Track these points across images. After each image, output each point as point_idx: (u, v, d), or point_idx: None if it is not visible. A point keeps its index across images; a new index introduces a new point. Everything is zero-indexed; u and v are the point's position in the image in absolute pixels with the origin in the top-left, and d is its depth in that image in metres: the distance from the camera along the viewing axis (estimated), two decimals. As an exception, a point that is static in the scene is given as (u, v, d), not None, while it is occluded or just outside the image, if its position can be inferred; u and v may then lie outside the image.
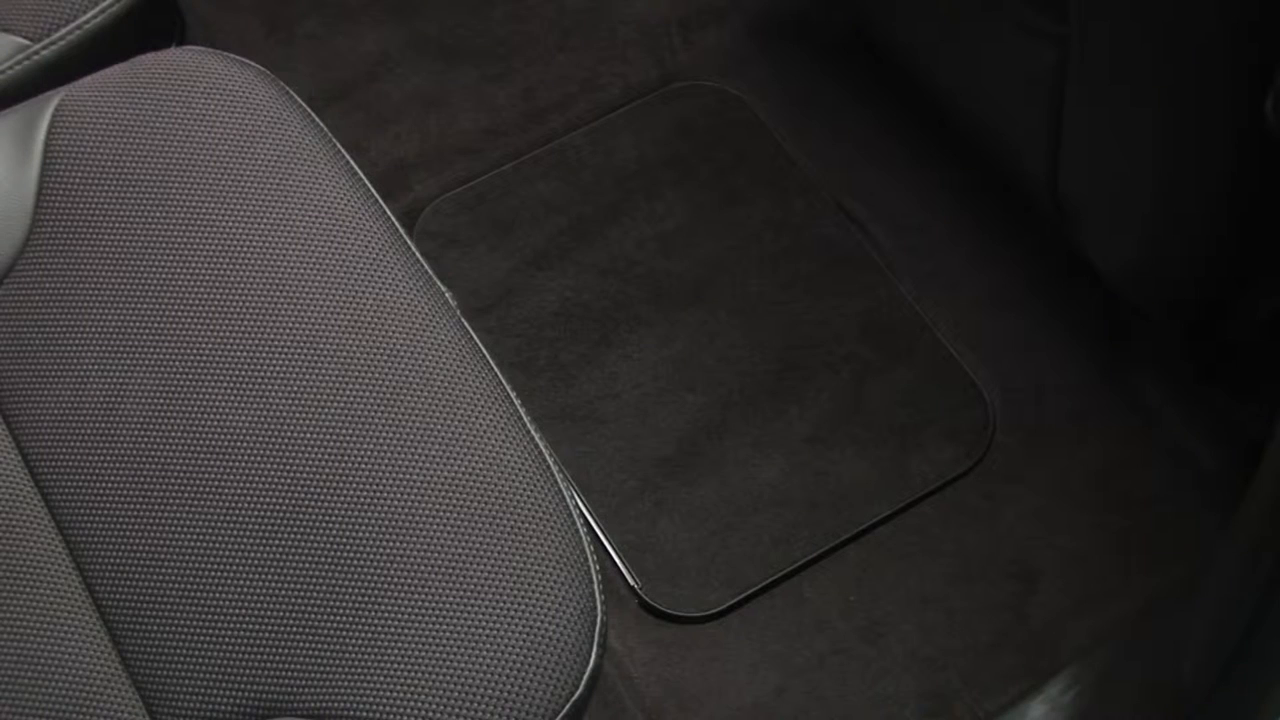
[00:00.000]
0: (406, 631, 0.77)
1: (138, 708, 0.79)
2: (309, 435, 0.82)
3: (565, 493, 0.81)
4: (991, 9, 1.00)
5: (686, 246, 1.27)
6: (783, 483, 1.16)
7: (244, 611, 0.79)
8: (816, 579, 1.11)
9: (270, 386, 0.83)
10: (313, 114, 0.93)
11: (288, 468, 0.81)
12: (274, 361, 0.84)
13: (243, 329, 0.85)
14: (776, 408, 1.19)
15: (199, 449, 0.83)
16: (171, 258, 0.87)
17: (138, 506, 0.82)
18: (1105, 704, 1.07)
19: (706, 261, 1.26)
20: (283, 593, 0.79)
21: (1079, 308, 1.20)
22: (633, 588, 1.11)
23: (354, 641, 0.77)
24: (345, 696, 0.76)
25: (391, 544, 0.79)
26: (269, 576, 0.79)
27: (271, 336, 0.84)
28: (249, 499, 0.81)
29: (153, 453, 0.83)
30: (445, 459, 0.81)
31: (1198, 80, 0.87)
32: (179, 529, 0.81)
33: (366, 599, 0.78)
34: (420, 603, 0.78)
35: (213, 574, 0.80)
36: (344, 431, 0.82)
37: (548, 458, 0.82)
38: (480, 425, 0.82)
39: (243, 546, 0.80)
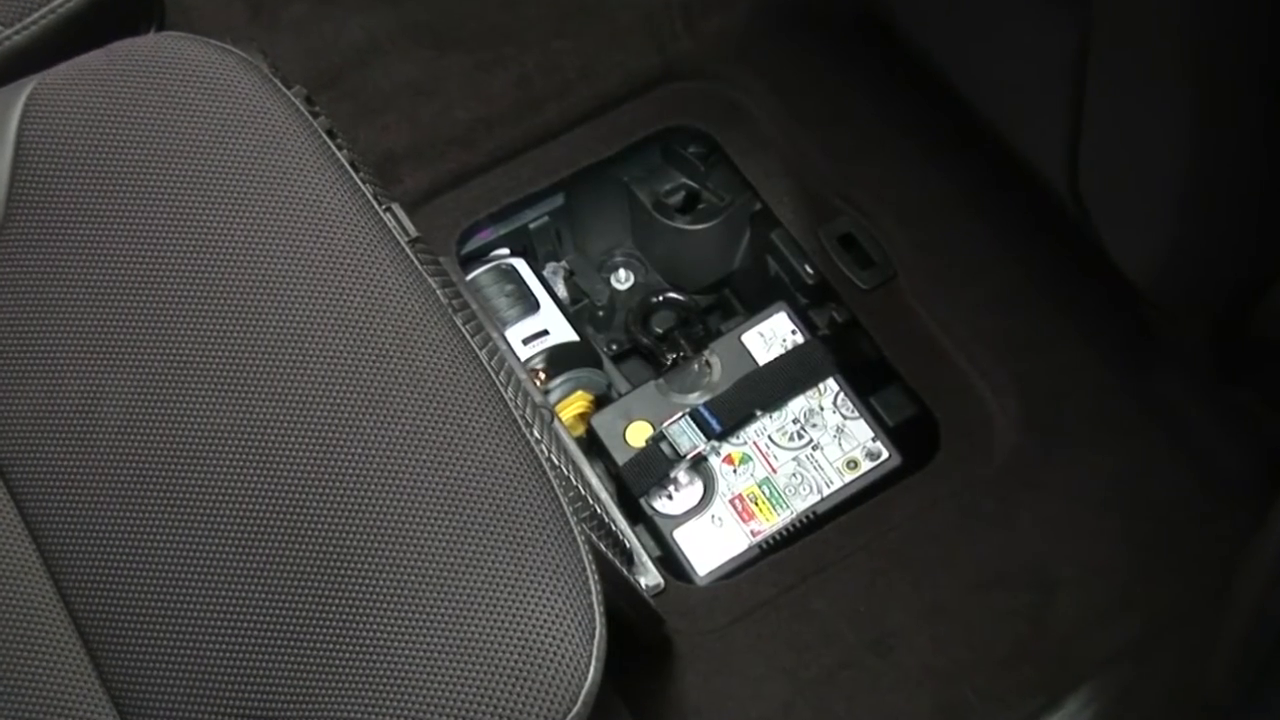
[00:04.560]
0: (396, 645, 0.77)
1: (115, 725, 0.79)
2: (294, 439, 0.81)
3: (563, 499, 0.81)
4: (1008, -11, 1.00)
5: (689, 241, 1.27)
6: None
7: (226, 624, 0.79)
8: (825, 589, 1.11)
9: (253, 388, 0.83)
10: (297, 102, 0.93)
11: (272, 473, 0.81)
12: (257, 362, 0.84)
13: (224, 328, 0.85)
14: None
15: (179, 453, 0.82)
16: (150, 253, 0.87)
17: (115, 513, 0.82)
18: (1126, 719, 1.06)
19: (710, 257, 1.26)
20: (267, 604, 0.79)
21: (1099, 306, 1.20)
22: (633, 598, 1.11)
23: (341, 655, 0.77)
24: (331, 712, 0.76)
25: (380, 553, 0.79)
26: (252, 587, 0.79)
27: (254, 335, 0.84)
28: (231, 505, 0.81)
29: (131, 457, 0.83)
30: (437, 464, 0.80)
31: (1230, 64, 0.86)
32: (158, 537, 0.81)
33: (354, 610, 0.78)
34: (411, 614, 0.77)
35: (193, 584, 0.80)
36: (331, 435, 0.81)
37: (543, 461, 0.82)
38: (473, 428, 0.82)
39: (225, 555, 0.80)
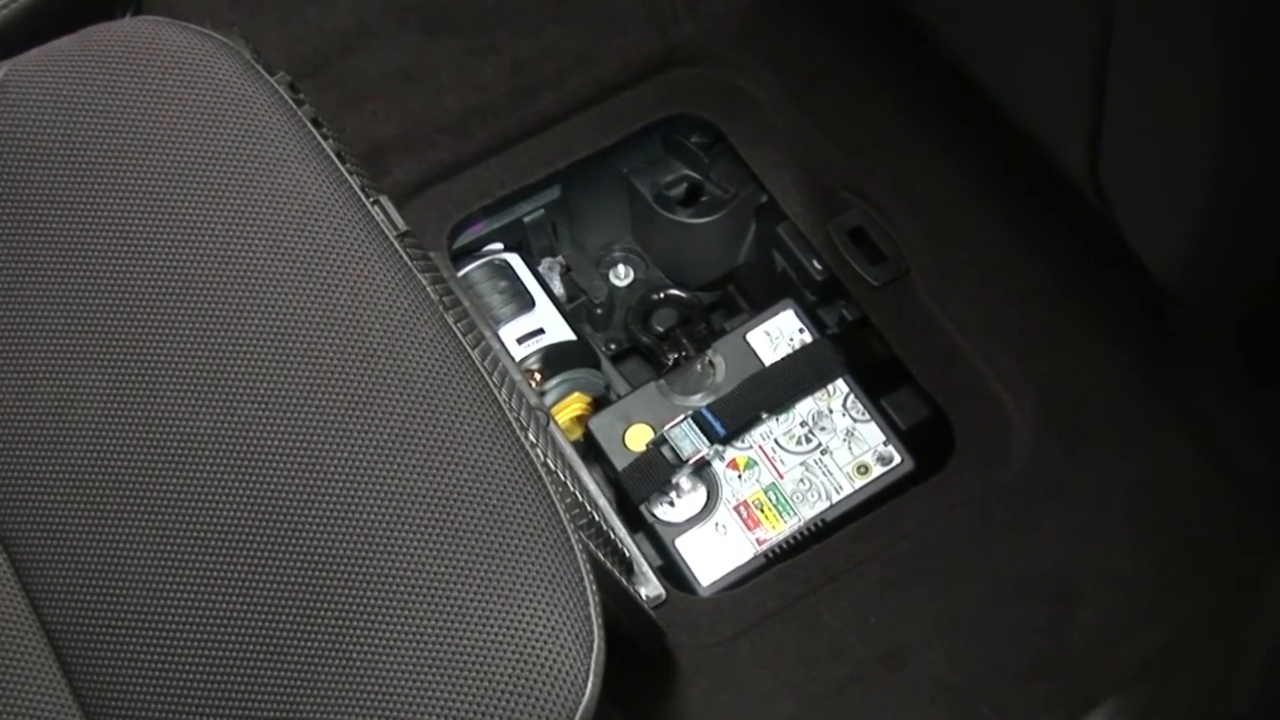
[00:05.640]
0: (384, 658, 0.77)
1: (89, 743, 0.79)
2: (277, 442, 0.81)
3: (559, 506, 0.81)
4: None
5: (691, 235, 1.27)
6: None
7: (205, 636, 0.79)
8: (834, 600, 1.11)
9: (234, 389, 0.83)
10: (281, 90, 0.93)
11: (254, 479, 0.81)
12: (238, 361, 0.84)
13: (204, 326, 0.84)
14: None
15: (156, 457, 0.82)
16: (126, 247, 0.87)
17: (90, 520, 0.82)
18: (1151, 736, 1.06)
19: (713, 252, 1.26)
20: (248, 615, 0.78)
21: (1121, 304, 1.20)
22: (633, 609, 1.11)
23: (326, 670, 0.77)
24: (317, 730, 0.76)
25: (368, 562, 0.79)
26: (233, 597, 0.79)
27: (235, 334, 0.84)
28: (211, 512, 0.81)
29: (106, 461, 0.83)
30: (427, 468, 0.80)
31: (1261, 46, 0.86)
32: (135, 545, 0.81)
33: (340, 622, 0.78)
34: (399, 627, 0.77)
35: (171, 595, 0.80)
36: (315, 438, 0.81)
37: (539, 466, 0.82)
38: (465, 432, 0.81)
39: (204, 564, 0.80)
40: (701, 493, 1.17)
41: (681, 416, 1.19)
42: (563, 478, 0.90)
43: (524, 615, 0.77)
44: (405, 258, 0.87)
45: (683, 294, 1.33)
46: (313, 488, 0.80)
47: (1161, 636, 1.09)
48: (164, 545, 0.81)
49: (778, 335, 1.23)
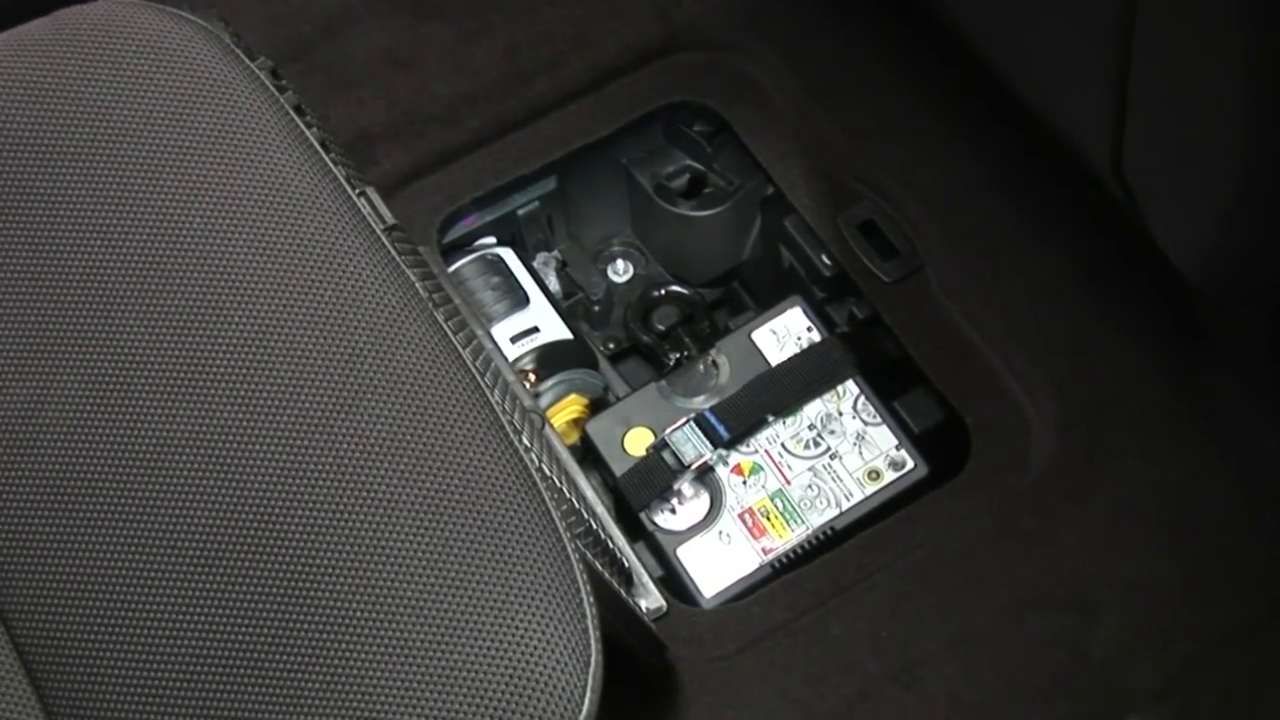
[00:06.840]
0: (371, 673, 0.77)
1: (60, 762, 0.79)
2: (258, 446, 0.81)
3: (555, 513, 0.81)
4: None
5: (694, 229, 1.27)
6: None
7: (183, 649, 0.79)
8: (844, 613, 1.11)
9: (213, 390, 0.83)
10: (262, 75, 0.93)
11: (234, 483, 0.81)
12: (218, 361, 0.84)
13: (181, 324, 0.84)
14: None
15: (132, 462, 0.82)
16: (99, 241, 0.87)
17: (61, 527, 0.82)
18: (1176, 755, 1.06)
19: (717, 246, 1.26)
20: (228, 628, 0.79)
21: (1146, 301, 1.20)
22: (632, 622, 1.11)
23: (310, 685, 0.77)
24: (300, 749, 0.76)
25: (354, 572, 0.79)
26: (212, 609, 0.79)
27: (215, 333, 0.84)
28: (189, 519, 0.81)
29: (79, 466, 0.83)
30: (416, 473, 0.80)
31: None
32: (109, 554, 0.81)
33: (325, 635, 0.78)
34: (388, 640, 0.77)
35: (147, 606, 0.80)
36: (299, 442, 0.81)
37: (533, 471, 0.82)
38: (456, 435, 0.82)
39: (182, 574, 0.80)
40: (704, 500, 1.17)
41: (683, 419, 1.19)
42: (558, 484, 0.90)
43: (518, 628, 0.77)
44: (393, 252, 0.87)
45: (685, 290, 1.33)
46: (296, 494, 0.80)
47: (1187, 650, 1.09)
48: (139, 553, 0.81)
49: (784, 334, 1.23)
